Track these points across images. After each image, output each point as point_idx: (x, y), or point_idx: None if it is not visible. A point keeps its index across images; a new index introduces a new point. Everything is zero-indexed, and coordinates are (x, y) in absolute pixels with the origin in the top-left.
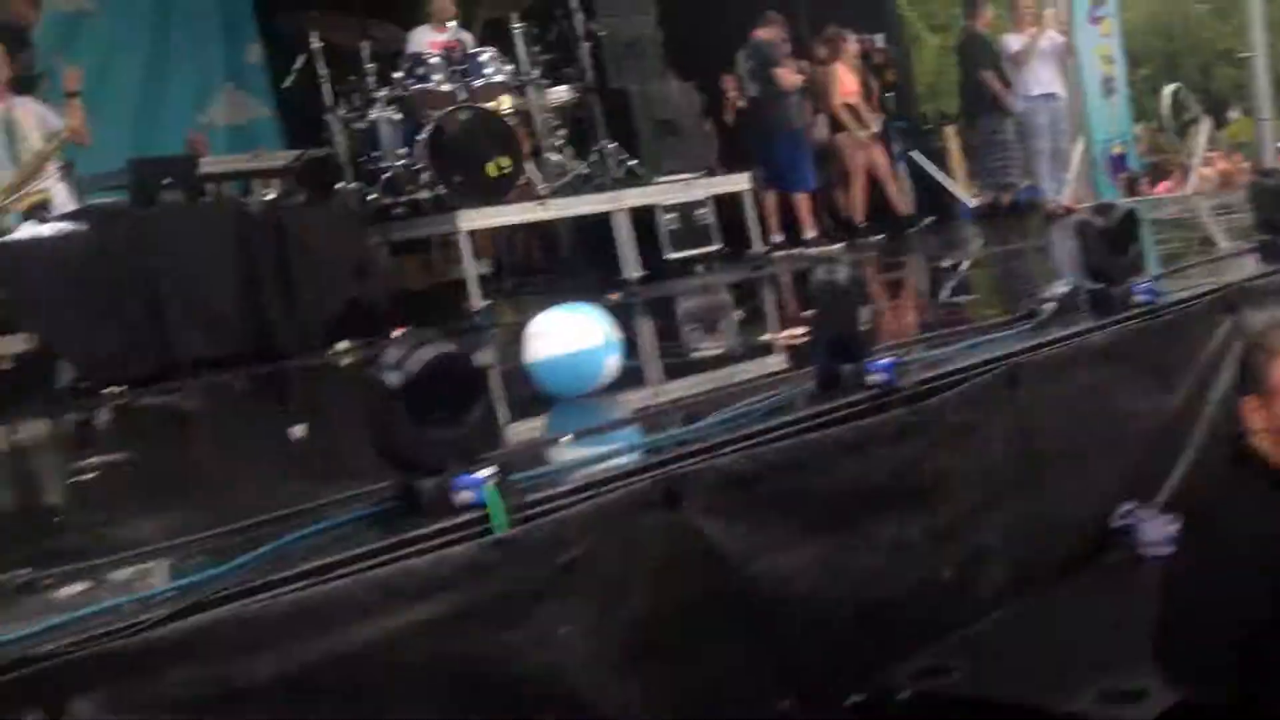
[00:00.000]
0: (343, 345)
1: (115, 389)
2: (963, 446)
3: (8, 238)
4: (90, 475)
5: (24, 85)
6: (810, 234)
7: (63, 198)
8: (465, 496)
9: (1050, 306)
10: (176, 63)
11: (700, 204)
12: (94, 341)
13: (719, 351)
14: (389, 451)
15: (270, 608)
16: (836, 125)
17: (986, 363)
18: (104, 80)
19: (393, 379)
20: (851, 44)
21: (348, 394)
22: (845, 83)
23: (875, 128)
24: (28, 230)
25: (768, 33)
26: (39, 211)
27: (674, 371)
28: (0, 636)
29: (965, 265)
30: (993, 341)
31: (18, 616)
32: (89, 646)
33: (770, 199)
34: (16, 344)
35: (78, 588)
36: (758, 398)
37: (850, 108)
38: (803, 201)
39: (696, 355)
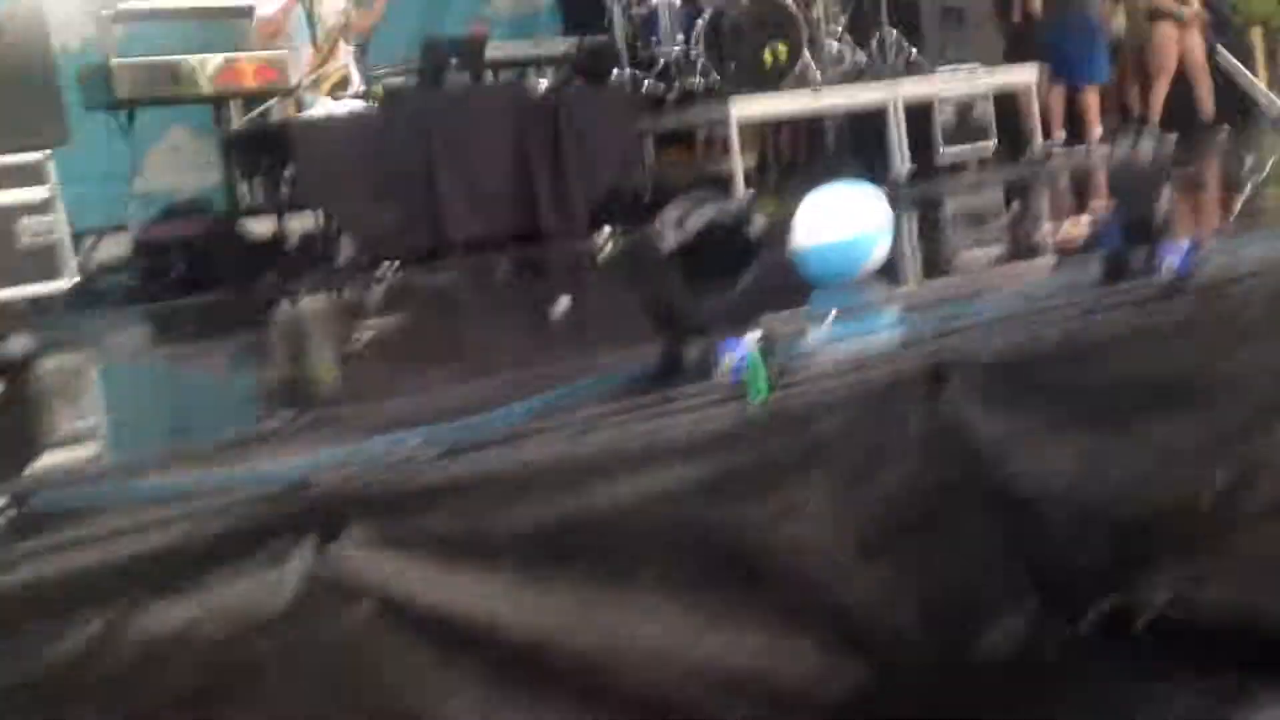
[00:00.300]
0: (604, 232)
1: (389, 264)
2: (1257, 347)
3: (304, 115)
4: (364, 339)
5: None
6: (1097, 132)
7: (356, 79)
8: (729, 361)
9: None
10: None
11: (980, 97)
12: (374, 219)
13: (992, 248)
14: (657, 311)
15: (533, 457)
16: (1153, 13)
17: None
18: None
19: (669, 238)
20: None
21: (611, 275)
22: None
23: (1196, 5)
24: (321, 109)
25: None
26: (336, 90)
27: (943, 270)
28: (284, 465)
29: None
30: None
31: (299, 450)
32: (363, 479)
33: (1055, 95)
34: (304, 220)
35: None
36: (1034, 283)
37: None
38: (1091, 97)
39: (968, 252)
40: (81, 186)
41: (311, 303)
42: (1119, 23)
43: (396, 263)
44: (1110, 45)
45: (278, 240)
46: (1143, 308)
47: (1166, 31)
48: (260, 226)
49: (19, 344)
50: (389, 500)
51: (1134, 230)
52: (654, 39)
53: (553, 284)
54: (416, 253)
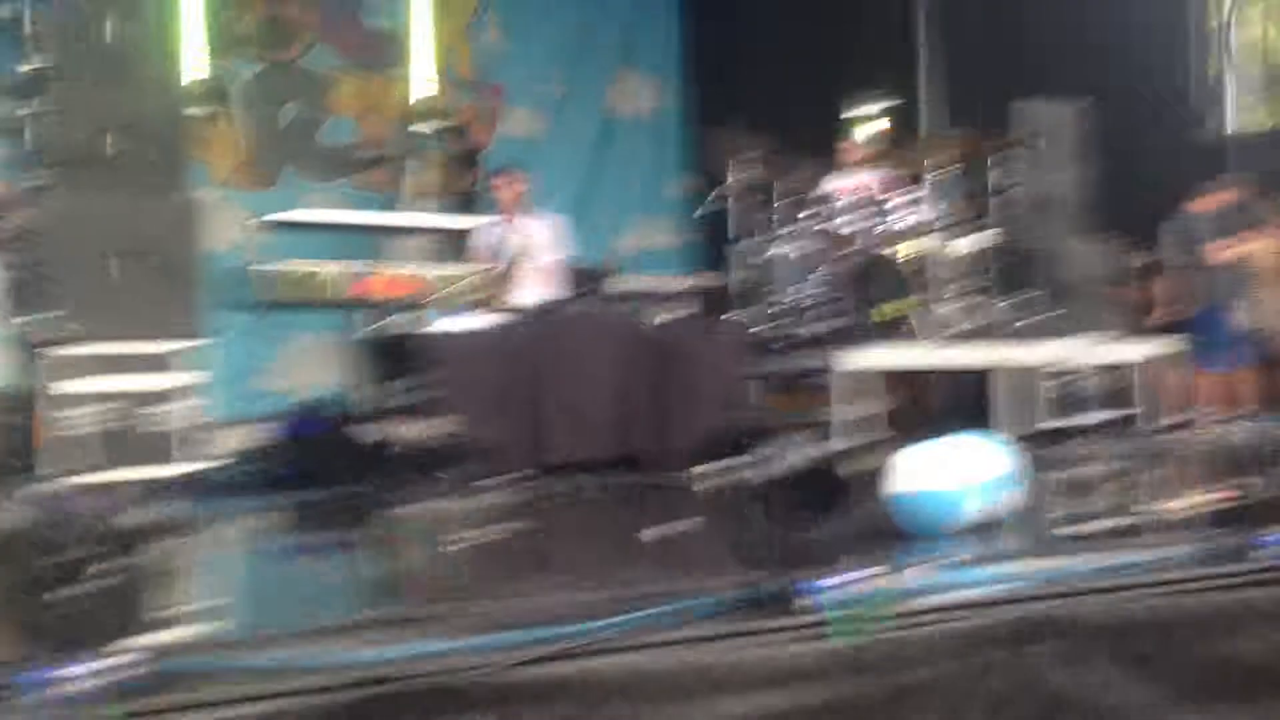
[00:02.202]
0: (703, 468)
1: (491, 480)
2: None
3: (429, 328)
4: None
5: (467, 199)
6: (1211, 419)
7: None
8: (815, 600)
9: None
10: (604, 189)
11: (1092, 371)
12: (484, 433)
13: (1094, 517)
14: (745, 544)
15: (613, 672)
16: None
17: None
18: (538, 201)
19: (762, 475)
20: None
21: (703, 509)
22: None
23: None
24: (444, 323)
25: (1204, 204)
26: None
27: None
28: (380, 655)
29: None
30: None
31: (397, 640)
32: (457, 675)
33: (1173, 375)
34: (416, 431)
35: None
36: (1134, 555)
37: None
38: (1212, 383)
39: (1069, 518)
40: (211, 379)
41: (417, 508)
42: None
43: (501, 478)
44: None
45: (391, 445)
46: (1242, 590)
47: None
48: (376, 431)
49: (142, 516)
50: (473, 699)
51: (1243, 511)
52: (772, 285)
53: (648, 511)
54: (521, 469)
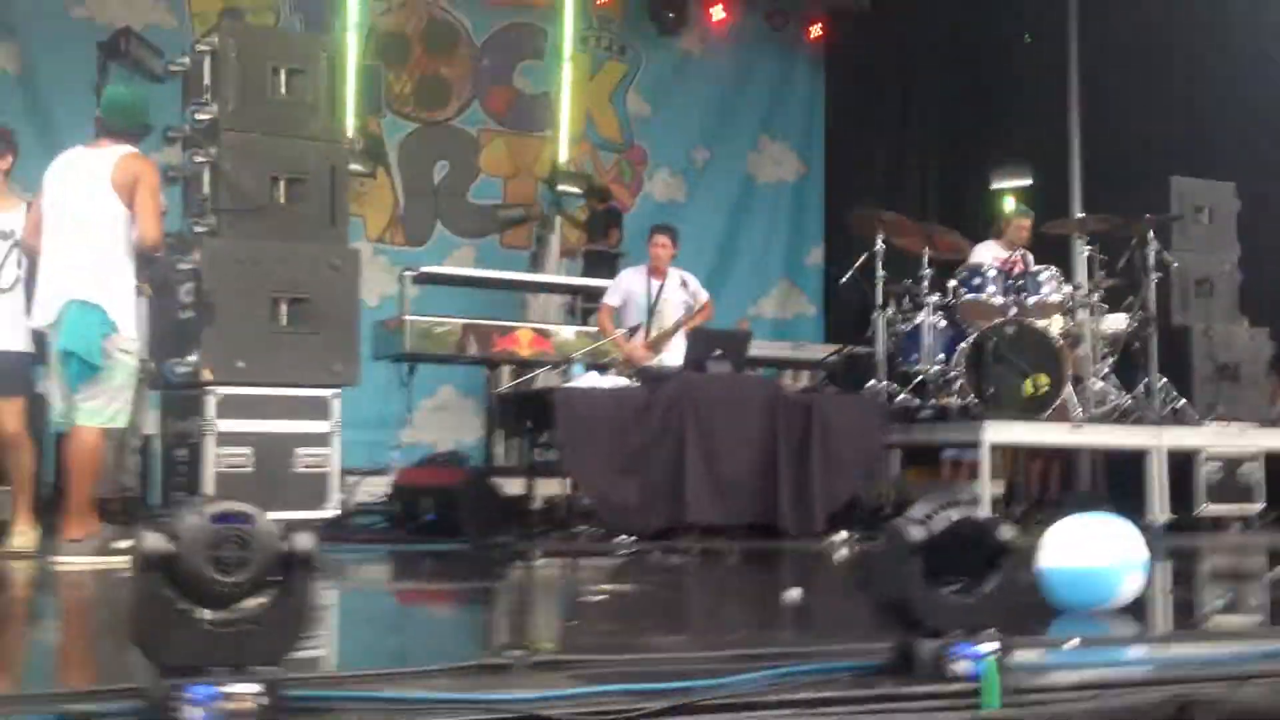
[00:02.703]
0: (840, 536)
1: (628, 538)
2: None
3: (567, 384)
4: (601, 599)
5: (608, 260)
6: None
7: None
8: (963, 666)
9: None
10: (743, 255)
11: (1250, 457)
12: (620, 492)
13: (1247, 608)
14: (895, 605)
15: None
16: None
17: None
18: (678, 264)
19: (915, 534)
20: None
21: (842, 575)
22: None
23: None
24: (587, 380)
25: None
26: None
27: (1192, 620)
28: (513, 695)
29: None
30: None
31: (533, 685)
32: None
33: None
34: (554, 486)
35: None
36: None
37: None
38: None
39: (1220, 607)
40: (356, 429)
41: (550, 563)
42: None
43: (634, 538)
44: None
45: (526, 499)
46: None
47: None
48: (512, 485)
49: (307, 541)
50: None
51: None
52: (913, 355)
53: (786, 575)
54: (656, 529)
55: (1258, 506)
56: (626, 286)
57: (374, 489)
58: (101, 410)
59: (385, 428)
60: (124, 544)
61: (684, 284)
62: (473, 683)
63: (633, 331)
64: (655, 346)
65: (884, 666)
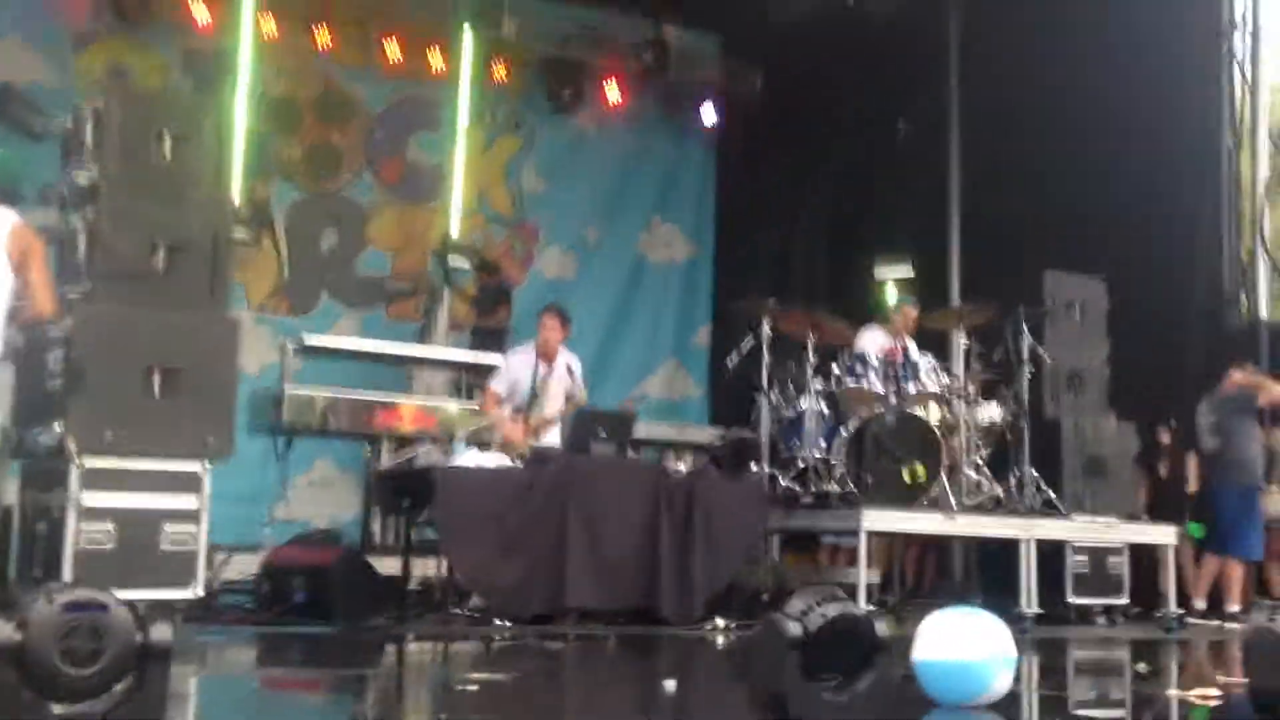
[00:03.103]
0: (719, 622)
1: (505, 623)
2: None
3: (453, 463)
4: (473, 689)
5: (493, 337)
6: (1234, 607)
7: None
8: None
9: None
10: (632, 334)
11: (1115, 550)
12: (499, 574)
13: (1114, 705)
14: (772, 700)
15: None
16: None
17: None
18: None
19: (792, 629)
20: None
21: (719, 664)
22: None
23: None
24: (471, 458)
25: (1236, 383)
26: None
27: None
28: None
29: None
30: None
31: None
32: None
33: (1210, 562)
34: (431, 566)
35: None
36: None
37: None
38: (1235, 570)
39: (1086, 704)
40: (228, 504)
41: (423, 649)
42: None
43: (510, 623)
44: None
45: (402, 580)
46: None
47: None
48: (388, 565)
49: (165, 632)
50: None
51: (1265, 703)
52: (795, 441)
53: (664, 663)
54: (535, 613)
55: (1123, 600)
56: (514, 373)
57: (244, 567)
58: None
59: (258, 502)
60: None
61: (570, 371)
62: None
63: (515, 413)
64: (535, 431)
65: None
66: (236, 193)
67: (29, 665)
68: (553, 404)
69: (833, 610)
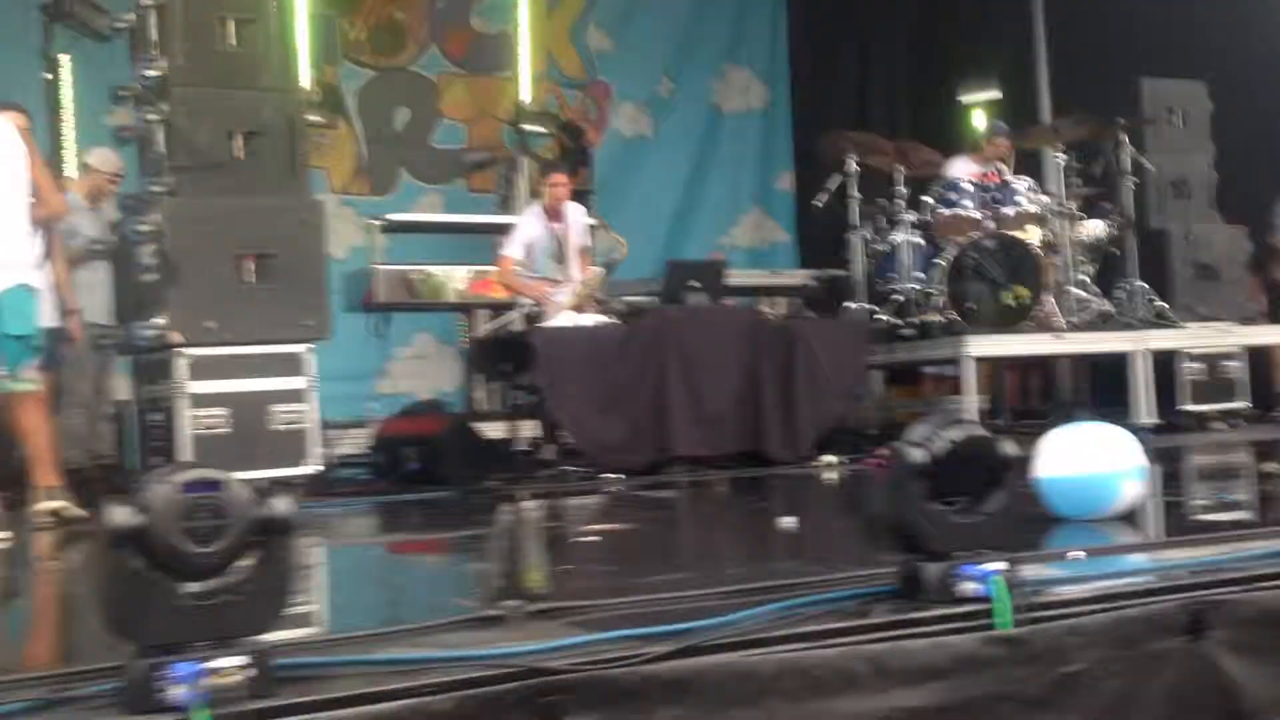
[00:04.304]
0: (827, 459)
1: (614, 476)
2: None
3: (544, 325)
4: (594, 540)
5: (578, 198)
6: None
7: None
8: (971, 587)
9: None
10: (713, 185)
11: (1231, 355)
12: (604, 430)
13: (1245, 506)
14: (900, 528)
15: (763, 663)
16: None
17: None
18: (647, 198)
19: (916, 455)
20: None
21: (834, 499)
22: None
23: None
24: (566, 319)
25: None
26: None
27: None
28: (513, 649)
29: None
30: None
31: (533, 636)
32: (590, 670)
33: None
34: (537, 429)
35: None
36: None
37: None
38: None
39: (1219, 507)
40: (333, 382)
41: (538, 505)
42: None
43: (621, 475)
44: None
45: (510, 443)
46: None
47: None
48: (495, 430)
49: (284, 505)
50: (614, 692)
51: None
52: (892, 275)
53: (777, 503)
54: (643, 465)
55: (1242, 403)
56: (528, 234)
57: (355, 442)
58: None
59: (362, 380)
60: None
61: (581, 220)
62: (469, 638)
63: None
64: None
65: (889, 592)
66: (306, 77)
67: (153, 547)
68: (573, 260)
69: (957, 434)
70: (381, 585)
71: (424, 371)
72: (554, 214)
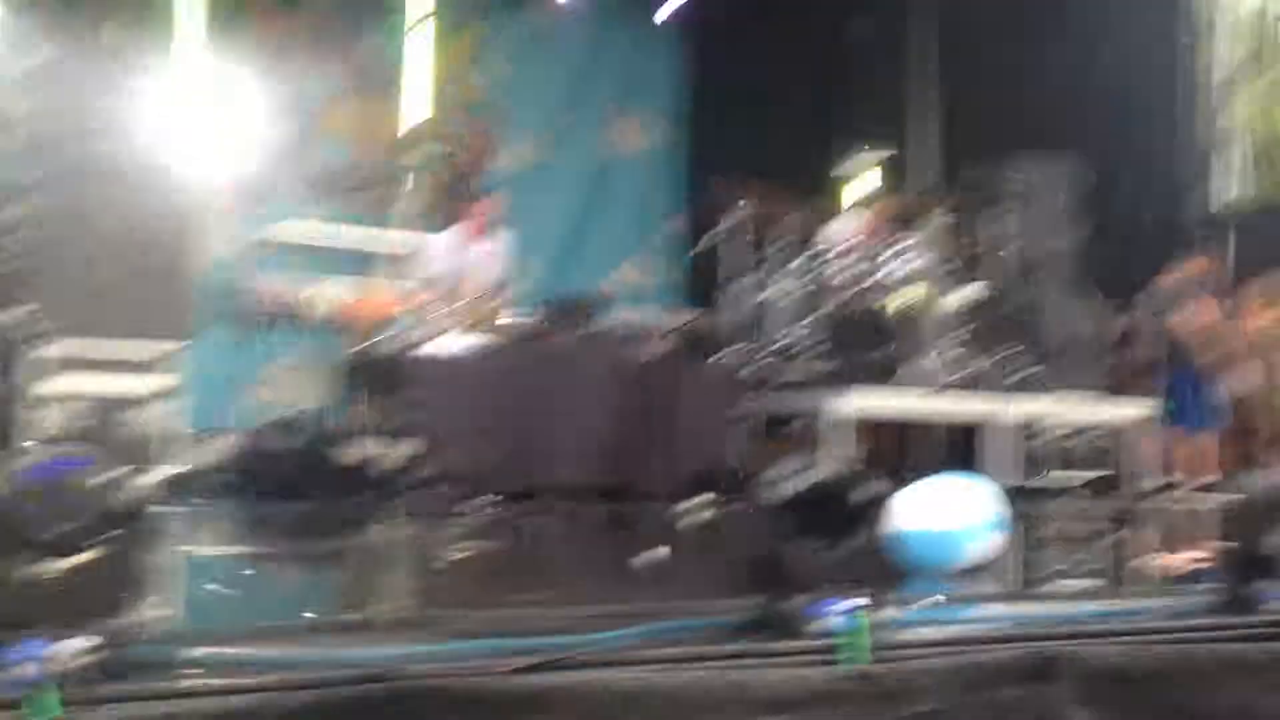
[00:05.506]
0: (694, 501)
1: (484, 500)
2: None
3: (422, 347)
4: (459, 558)
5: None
6: (1197, 481)
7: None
8: (830, 623)
9: None
10: (601, 223)
11: (1090, 426)
12: (476, 455)
13: (1097, 569)
14: (761, 562)
15: (623, 683)
16: None
17: None
18: (535, 232)
19: (783, 492)
20: None
21: (702, 536)
22: None
23: None
24: (446, 342)
25: (1191, 271)
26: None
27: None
28: (372, 652)
29: None
30: None
31: (393, 642)
32: (449, 678)
33: (1166, 437)
34: (409, 448)
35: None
36: (1147, 601)
37: None
38: (1197, 444)
39: (1071, 568)
40: (202, 389)
41: (405, 524)
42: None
43: (490, 497)
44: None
45: (379, 463)
46: (1255, 641)
47: None
48: (364, 449)
49: (139, 494)
50: (472, 702)
51: (1247, 566)
52: (770, 324)
53: (646, 537)
54: (513, 491)
55: (1097, 474)
56: (442, 255)
57: (219, 450)
58: None
59: (225, 391)
60: None
61: (499, 250)
62: (331, 641)
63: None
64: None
65: (749, 623)
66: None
67: (2, 524)
68: (484, 282)
69: (824, 473)
70: (238, 587)
71: (293, 386)
72: (473, 238)
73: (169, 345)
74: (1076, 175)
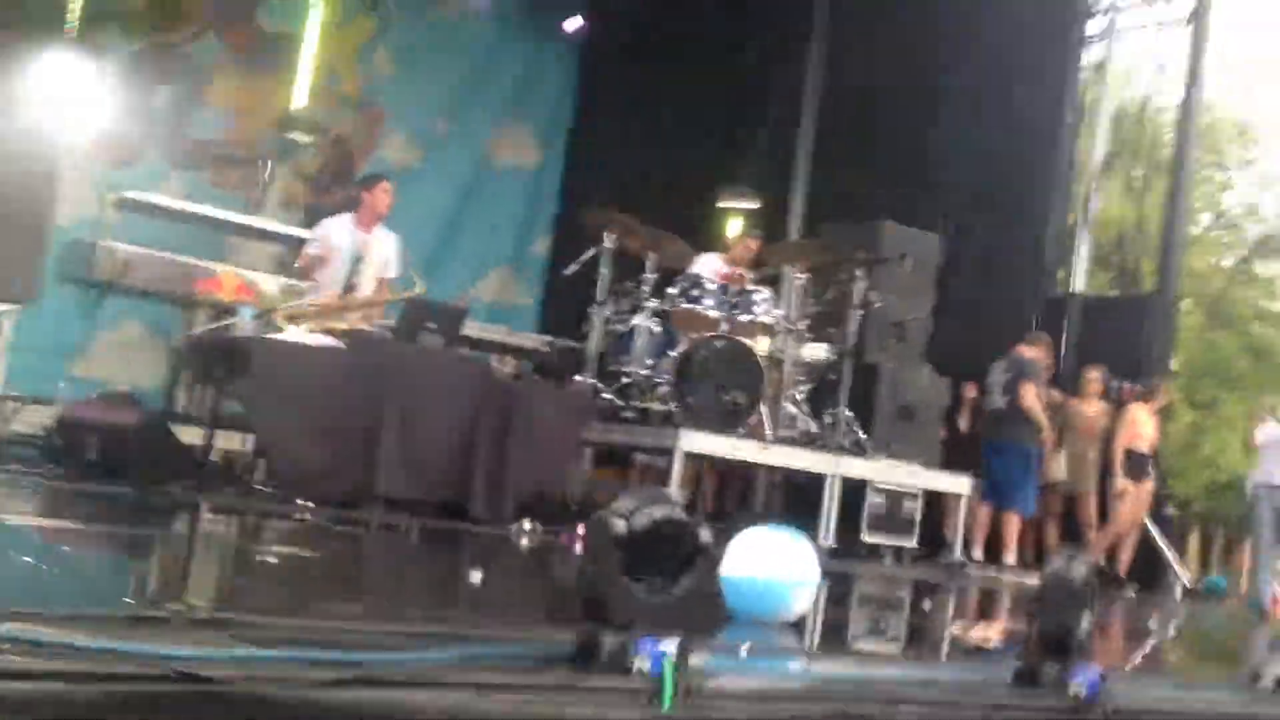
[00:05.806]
0: (526, 525)
1: (307, 503)
2: None
3: (269, 336)
4: (274, 560)
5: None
6: (1009, 559)
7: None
8: (645, 663)
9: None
10: (470, 233)
11: (912, 495)
12: (306, 454)
13: (904, 634)
14: (589, 595)
15: (433, 706)
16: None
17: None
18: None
19: (617, 525)
20: (1161, 393)
21: (525, 563)
22: (1142, 427)
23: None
24: (293, 334)
25: (1032, 351)
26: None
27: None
28: (171, 651)
29: (1174, 627)
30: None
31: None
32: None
33: (983, 513)
34: (236, 441)
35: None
36: (948, 671)
37: (1135, 455)
38: (1012, 523)
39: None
40: (23, 353)
41: (220, 519)
42: (1059, 465)
43: (314, 504)
44: (1045, 484)
45: (204, 451)
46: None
47: (1124, 487)
48: (191, 434)
49: None
50: (271, 712)
51: (1052, 644)
52: (624, 356)
53: (469, 558)
54: (340, 497)
55: (912, 542)
56: (332, 239)
57: (35, 420)
58: None
59: (59, 356)
60: None
61: (393, 241)
62: (124, 634)
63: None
64: (363, 315)
65: (567, 656)
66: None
67: None
68: (372, 272)
69: (660, 513)
70: (32, 567)
71: (127, 360)
72: (367, 225)
73: (5, 306)
74: (938, 246)
